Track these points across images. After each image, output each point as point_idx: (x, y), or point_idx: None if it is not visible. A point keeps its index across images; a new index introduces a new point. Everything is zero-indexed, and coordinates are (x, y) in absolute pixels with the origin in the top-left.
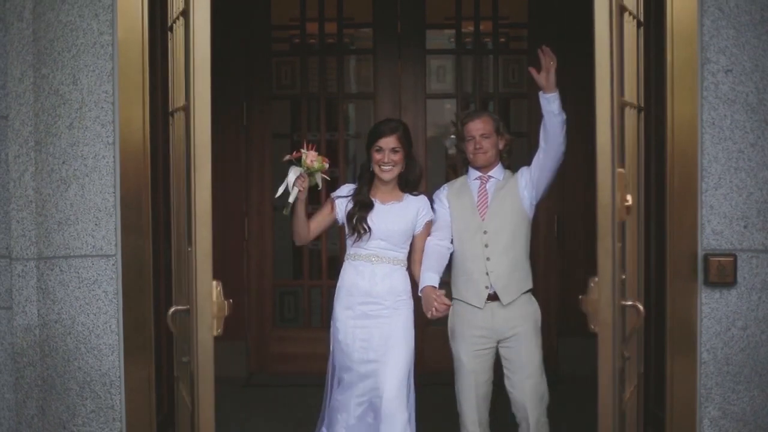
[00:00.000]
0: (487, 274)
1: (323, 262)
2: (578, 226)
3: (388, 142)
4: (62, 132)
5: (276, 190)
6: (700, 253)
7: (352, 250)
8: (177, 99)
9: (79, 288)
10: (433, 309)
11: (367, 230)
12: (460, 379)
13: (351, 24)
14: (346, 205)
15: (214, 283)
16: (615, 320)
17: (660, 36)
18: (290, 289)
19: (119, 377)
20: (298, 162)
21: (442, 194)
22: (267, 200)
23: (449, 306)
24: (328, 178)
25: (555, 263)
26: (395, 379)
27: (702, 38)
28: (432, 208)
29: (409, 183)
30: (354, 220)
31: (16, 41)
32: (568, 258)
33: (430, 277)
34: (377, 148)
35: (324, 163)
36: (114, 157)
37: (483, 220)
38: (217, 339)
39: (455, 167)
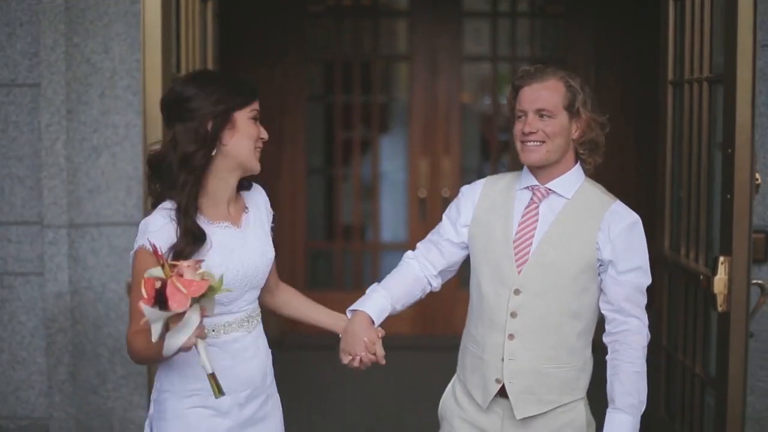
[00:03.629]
0: (503, 360)
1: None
2: None
3: (256, 106)
4: (94, 100)
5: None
6: None
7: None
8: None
9: (110, 255)
10: (358, 358)
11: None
12: None
13: None
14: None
15: None
16: (748, 299)
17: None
18: (323, 251)
19: None
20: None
21: (469, 198)
22: (300, 162)
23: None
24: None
25: None
26: None
27: None
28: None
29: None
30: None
31: (48, 10)
32: None
33: (376, 301)
34: (253, 113)
35: (201, 271)
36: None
37: (519, 271)
38: None
39: (488, 145)
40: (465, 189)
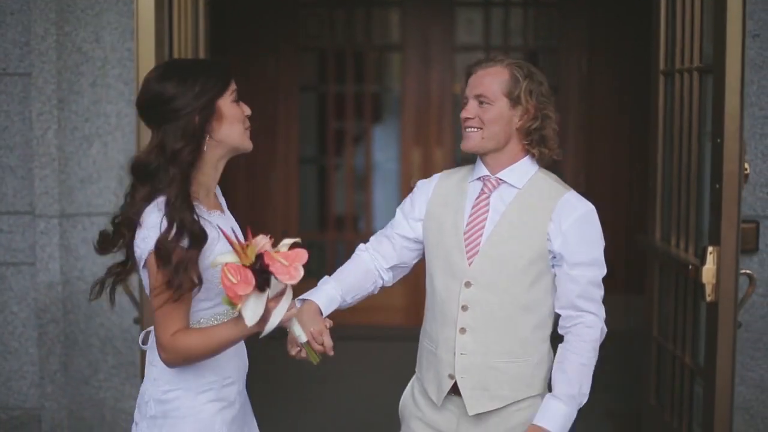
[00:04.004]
0: (455, 354)
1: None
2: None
3: (234, 86)
4: (85, 90)
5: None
6: None
7: (210, 312)
8: None
9: None
10: (299, 349)
11: None
12: None
13: None
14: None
15: None
16: (736, 289)
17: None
18: (315, 241)
19: (140, 333)
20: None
21: (423, 192)
22: (293, 152)
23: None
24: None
25: None
26: None
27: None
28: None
29: None
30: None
31: None
32: None
33: (326, 292)
34: (234, 95)
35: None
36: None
37: (469, 263)
38: None
39: None
40: (420, 183)
